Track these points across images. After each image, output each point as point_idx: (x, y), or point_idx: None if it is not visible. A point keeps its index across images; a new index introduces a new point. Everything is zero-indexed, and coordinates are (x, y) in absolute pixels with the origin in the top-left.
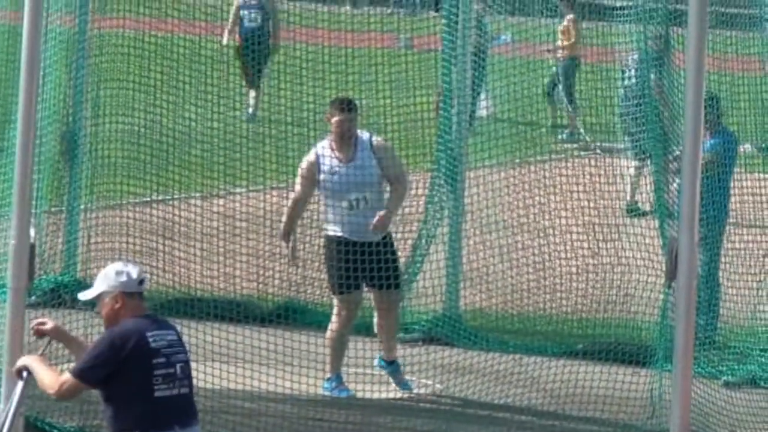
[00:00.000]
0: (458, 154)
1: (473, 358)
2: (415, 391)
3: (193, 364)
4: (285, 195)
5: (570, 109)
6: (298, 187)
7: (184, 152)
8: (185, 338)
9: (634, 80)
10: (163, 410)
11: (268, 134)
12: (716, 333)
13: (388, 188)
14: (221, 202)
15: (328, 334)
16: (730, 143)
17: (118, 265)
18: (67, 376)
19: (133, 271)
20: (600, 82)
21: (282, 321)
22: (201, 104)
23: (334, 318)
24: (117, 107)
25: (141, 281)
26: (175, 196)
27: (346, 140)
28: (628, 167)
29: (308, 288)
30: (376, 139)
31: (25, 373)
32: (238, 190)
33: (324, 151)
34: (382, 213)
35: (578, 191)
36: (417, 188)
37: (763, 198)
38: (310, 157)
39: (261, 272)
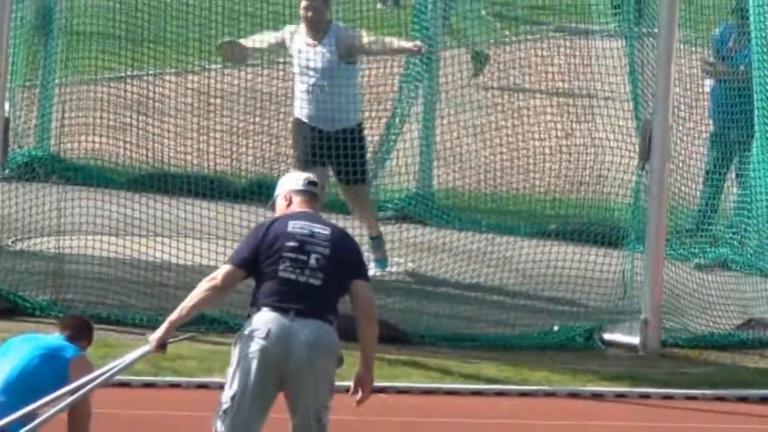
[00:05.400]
0: (433, 34)
1: (446, 237)
2: (388, 269)
3: (165, 240)
4: (259, 72)
5: None
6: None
7: (159, 28)
8: (156, 213)
9: None
10: (283, 291)
11: (243, 11)
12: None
13: (352, 80)
14: (195, 78)
15: None
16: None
17: (290, 173)
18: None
19: (303, 174)
20: None
21: (255, 197)
22: None
23: None
24: None
25: (310, 182)
26: (150, 72)
27: (314, 26)
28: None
29: (281, 165)
30: (346, 28)
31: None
32: (212, 66)
33: (298, 29)
34: None
35: (553, 72)
36: (392, 67)
37: None
38: (283, 31)
39: (234, 149)
